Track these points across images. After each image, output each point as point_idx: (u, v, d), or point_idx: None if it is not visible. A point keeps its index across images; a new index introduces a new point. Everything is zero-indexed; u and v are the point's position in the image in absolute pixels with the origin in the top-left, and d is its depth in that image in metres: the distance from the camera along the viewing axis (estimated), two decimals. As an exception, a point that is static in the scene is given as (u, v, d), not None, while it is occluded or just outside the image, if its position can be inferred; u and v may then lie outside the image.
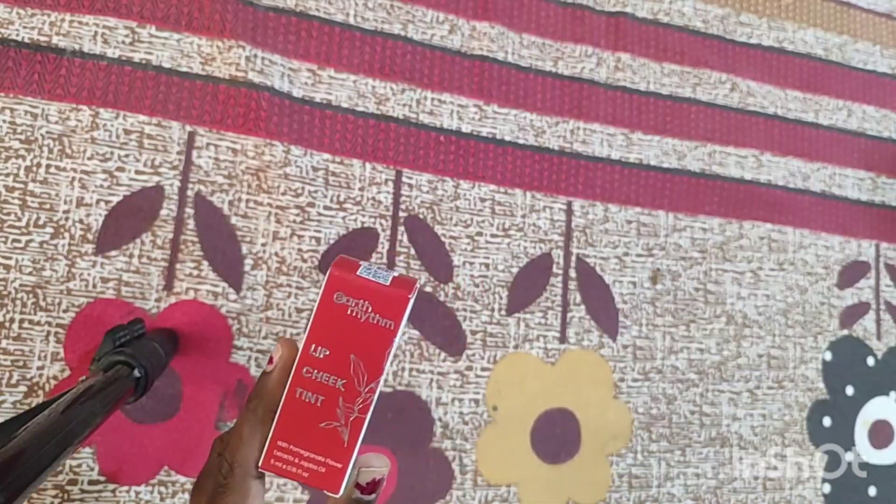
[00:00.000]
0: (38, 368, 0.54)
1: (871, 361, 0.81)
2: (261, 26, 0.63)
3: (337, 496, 0.24)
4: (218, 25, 0.61)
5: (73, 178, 0.57)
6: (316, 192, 0.62)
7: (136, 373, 0.46)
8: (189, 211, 0.59)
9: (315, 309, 0.23)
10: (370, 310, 0.23)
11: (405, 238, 0.65)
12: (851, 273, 0.82)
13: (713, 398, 0.73)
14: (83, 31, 0.58)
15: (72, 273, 0.56)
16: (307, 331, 0.23)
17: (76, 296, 0.56)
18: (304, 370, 0.23)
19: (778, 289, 0.78)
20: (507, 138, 0.70)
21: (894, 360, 0.82)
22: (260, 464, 0.23)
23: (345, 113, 0.65)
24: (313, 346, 0.23)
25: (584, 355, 0.69)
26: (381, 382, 0.23)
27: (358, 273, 0.24)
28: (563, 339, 0.69)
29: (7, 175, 0.55)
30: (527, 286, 0.68)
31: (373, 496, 0.25)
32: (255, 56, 0.61)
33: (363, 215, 0.64)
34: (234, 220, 0.60)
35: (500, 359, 0.66)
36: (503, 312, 0.67)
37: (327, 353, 0.23)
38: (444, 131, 0.68)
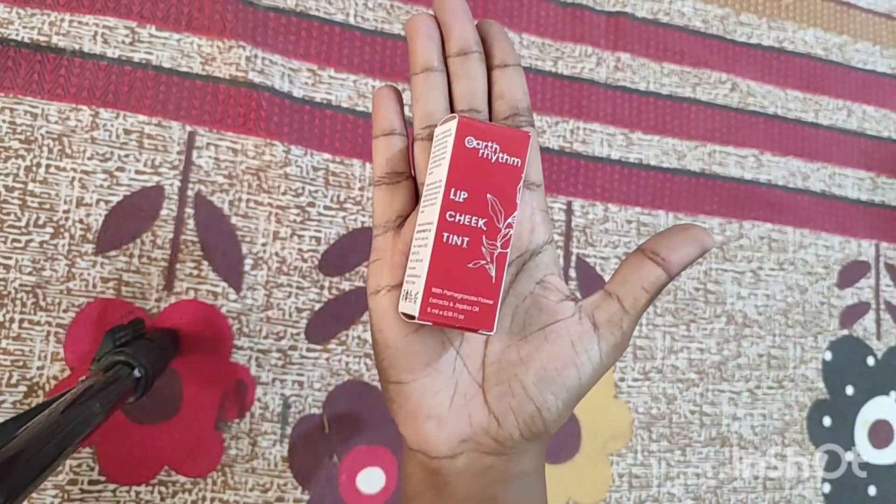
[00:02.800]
0: (38, 368, 0.54)
1: (871, 361, 0.81)
2: (261, 26, 0.63)
3: (491, 334, 0.24)
4: (218, 25, 0.61)
5: (73, 178, 0.57)
6: (316, 191, 0.62)
7: (136, 373, 0.46)
8: (189, 211, 0.59)
9: (448, 155, 0.24)
10: (499, 150, 0.24)
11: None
12: (851, 273, 0.82)
13: (713, 398, 0.73)
14: (83, 31, 0.58)
15: (72, 273, 0.56)
16: (445, 177, 0.24)
17: (76, 296, 0.56)
18: (448, 214, 0.24)
19: (778, 289, 0.78)
20: (507, 138, 0.69)
21: (894, 360, 0.82)
22: (417, 315, 0.23)
23: (345, 113, 0.65)
24: (452, 190, 0.24)
25: (584, 355, 0.69)
26: (515, 217, 0.24)
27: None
28: (563, 338, 0.69)
29: (7, 175, 0.55)
30: (527, 286, 0.68)
31: None
32: (256, 56, 0.61)
33: (363, 215, 0.64)
34: (234, 219, 0.60)
35: (500, 359, 0.66)
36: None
37: (466, 195, 0.24)
38: (444, 131, 0.68)
